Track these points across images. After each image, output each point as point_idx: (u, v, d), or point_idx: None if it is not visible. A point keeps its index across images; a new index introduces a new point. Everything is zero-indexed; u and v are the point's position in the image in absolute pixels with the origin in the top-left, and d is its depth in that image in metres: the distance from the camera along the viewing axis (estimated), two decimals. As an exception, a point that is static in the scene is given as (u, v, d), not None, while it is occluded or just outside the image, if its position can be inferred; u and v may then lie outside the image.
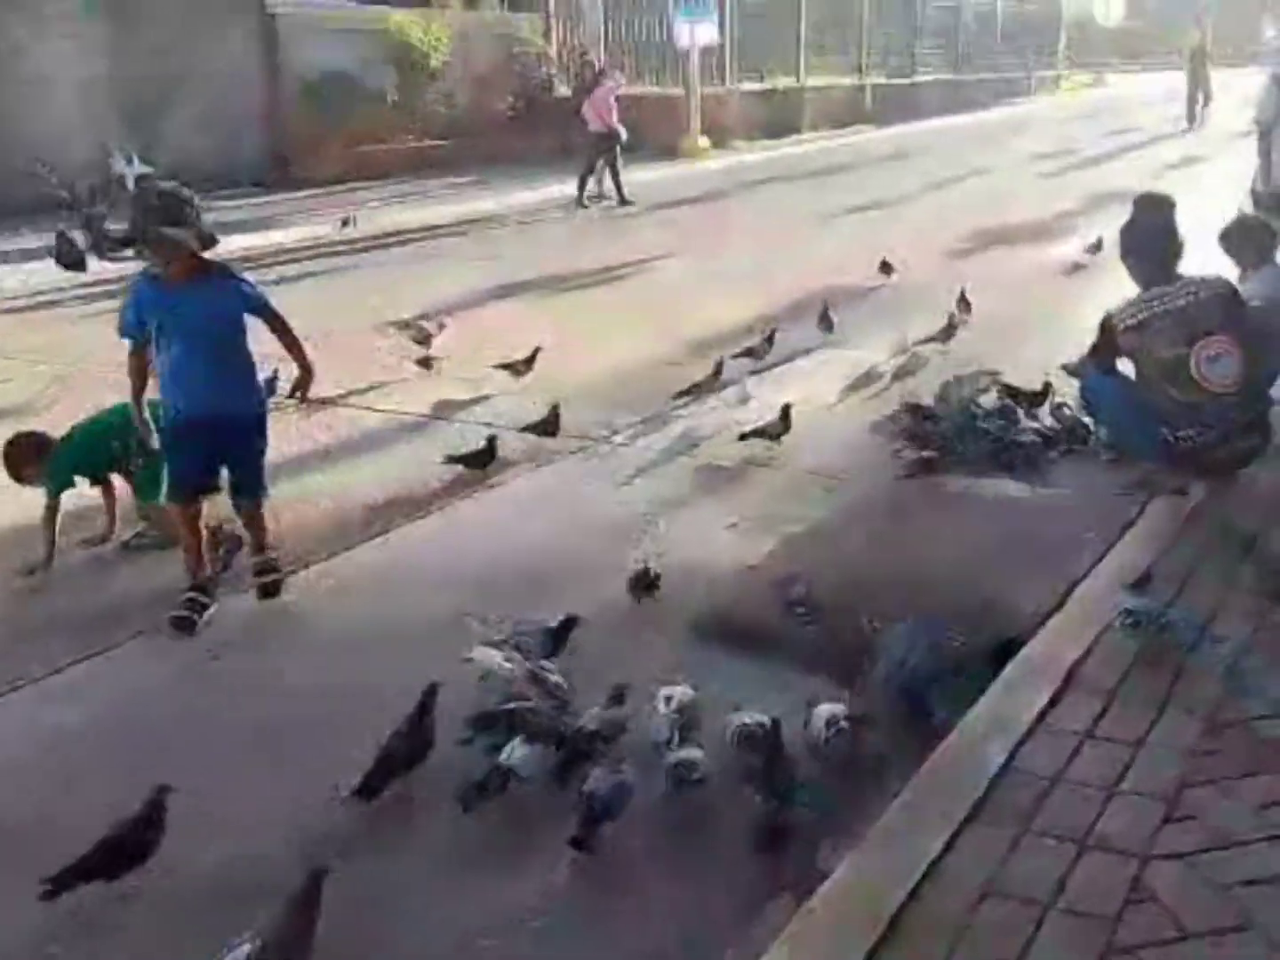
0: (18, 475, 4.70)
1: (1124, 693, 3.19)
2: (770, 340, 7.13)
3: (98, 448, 4.70)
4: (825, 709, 3.24)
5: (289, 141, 17.66)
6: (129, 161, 16.01)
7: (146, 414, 4.27)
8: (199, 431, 4.17)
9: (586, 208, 15.24)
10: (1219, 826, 2.64)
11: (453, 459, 5.52)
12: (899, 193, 15.44)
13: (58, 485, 4.59)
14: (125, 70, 15.62)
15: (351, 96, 18.05)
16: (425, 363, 7.28)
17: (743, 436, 5.68)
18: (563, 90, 21.79)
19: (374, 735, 3.12)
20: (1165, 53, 38.48)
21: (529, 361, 6.80)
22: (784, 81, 24.03)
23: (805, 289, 9.09)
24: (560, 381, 6.70)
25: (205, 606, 4.19)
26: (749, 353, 7.02)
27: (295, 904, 2.47)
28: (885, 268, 9.40)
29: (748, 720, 3.20)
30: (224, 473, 4.34)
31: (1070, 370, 5.55)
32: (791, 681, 3.53)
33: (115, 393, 4.65)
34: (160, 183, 4.30)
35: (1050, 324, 7.68)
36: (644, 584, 4.12)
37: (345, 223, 13.65)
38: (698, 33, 20.33)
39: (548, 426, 5.81)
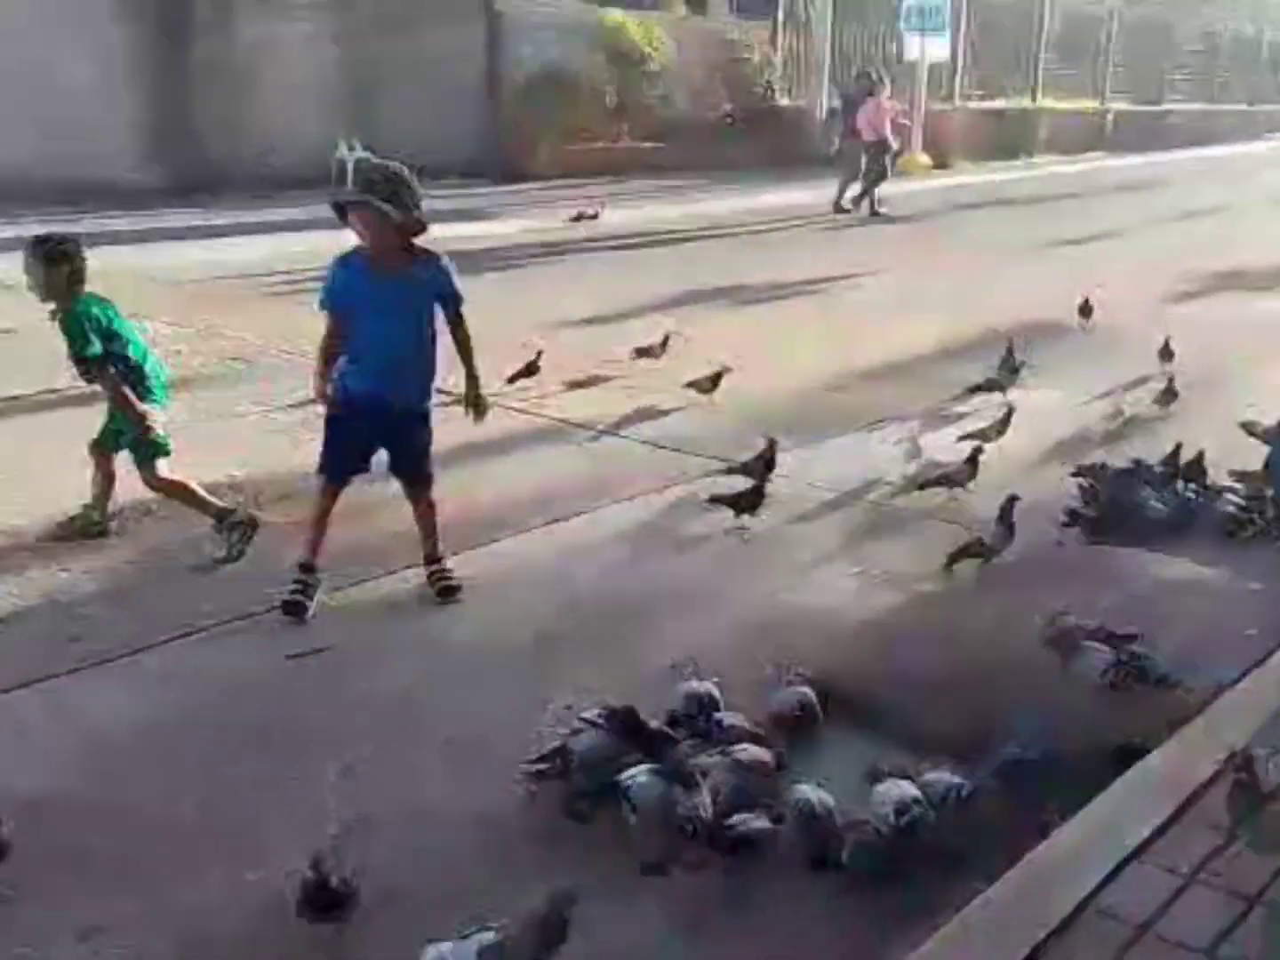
0: None
1: (1250, 832, 2.73)
2: (1013, 367, 6.71)
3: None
4: (895, 792, 2.91)
5: (507, 136, 17.95)
6: (351, 149, 16.64)
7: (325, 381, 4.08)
8: (367, 415, 4.05)
9: (848, 211, 15.24)
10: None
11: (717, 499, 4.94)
12: (1125, 226, 14.53)
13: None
14: (353, 61, 16.19)
15: (570, 94, 18.26)
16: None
17: (922, 486, 5.23)
18: (784, 100, 21.55)
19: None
20: None
21: (715, 380, 6.56)
22: (1017, 101, 23.10)
23: (1000, 322, 8.58)
24: (742, 399, 6.57)
25: (314, 588, 4.12)
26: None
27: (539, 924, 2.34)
28: (1085, 309, 8.62)
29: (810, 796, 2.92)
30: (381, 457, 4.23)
31: (1255, 432, 4.93)
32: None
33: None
34: (383, 160, 4.18)
35: (1257, 381, 6.97)
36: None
37: (579, 217, 13.82)
38: (928, 46, 19.75)
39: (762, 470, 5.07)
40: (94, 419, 4.63)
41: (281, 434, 5.92)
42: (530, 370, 6.72)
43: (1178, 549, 4.63)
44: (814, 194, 16.63)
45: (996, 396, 6.42)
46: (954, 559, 4.44)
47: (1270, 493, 4.83)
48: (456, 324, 4.19)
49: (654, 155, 18.96)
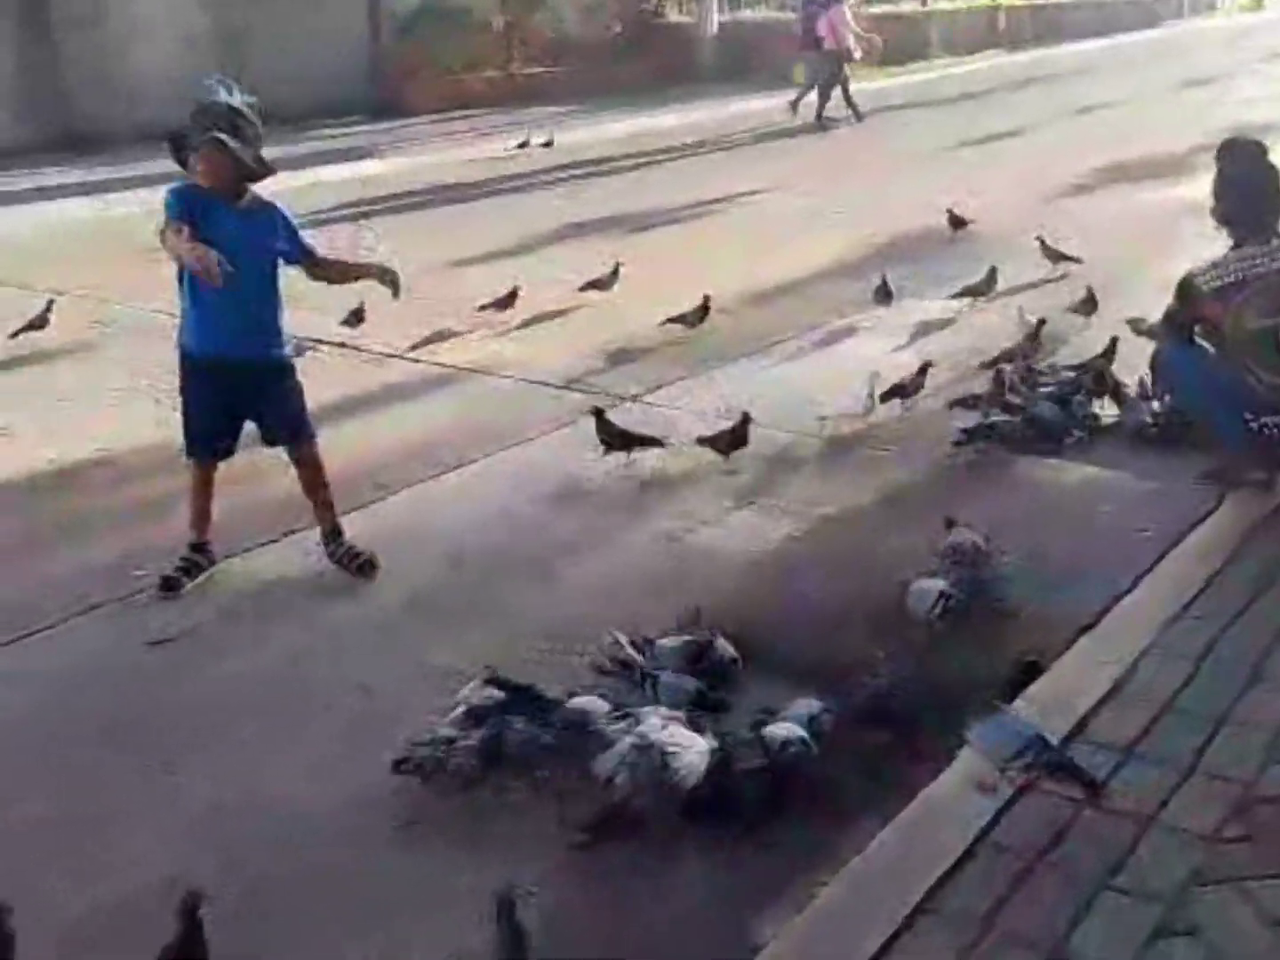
0: None
1: (1143, 751, 2.67)
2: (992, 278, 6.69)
3: None
4: (781, 727, 2.81)
5: (390, 70, 17.34)
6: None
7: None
8: (219, 377, 3.79)
9: (827, 129, 15.04)
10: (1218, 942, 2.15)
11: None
12: (1020, 123, 14.45)
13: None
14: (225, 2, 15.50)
15: (455, 22, 17.66)
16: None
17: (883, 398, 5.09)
18: (675, 16, 21.09)
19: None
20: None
21: (701, 313, 6.37)
22: (909, 5, 22.84)
23: (895, 231, 8.50)
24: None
25: (200, 569, 3.90)
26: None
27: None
28: (956, 221, 8.32)
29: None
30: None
31: (1141, 330, 4.85)
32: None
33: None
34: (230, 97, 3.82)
35: (1145, 276, 6.91)
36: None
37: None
38: (816, -47, 19.32)
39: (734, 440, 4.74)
40: None
41: (151, 401, 5.63)
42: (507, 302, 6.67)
43: (1084, 455, 4.59)
44: (710, 112, 16.39)
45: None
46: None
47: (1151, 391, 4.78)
48: (318, 264, 3.95)
49: (545, 82, 18.45)
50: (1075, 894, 2.26)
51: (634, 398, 5.49)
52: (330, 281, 4.09)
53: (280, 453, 4.01)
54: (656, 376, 5.76)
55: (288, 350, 3.96)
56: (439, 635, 3.53)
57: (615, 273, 6.92)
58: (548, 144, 13.64)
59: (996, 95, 17.88)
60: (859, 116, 15.31)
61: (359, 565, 3.93)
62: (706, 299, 6.37)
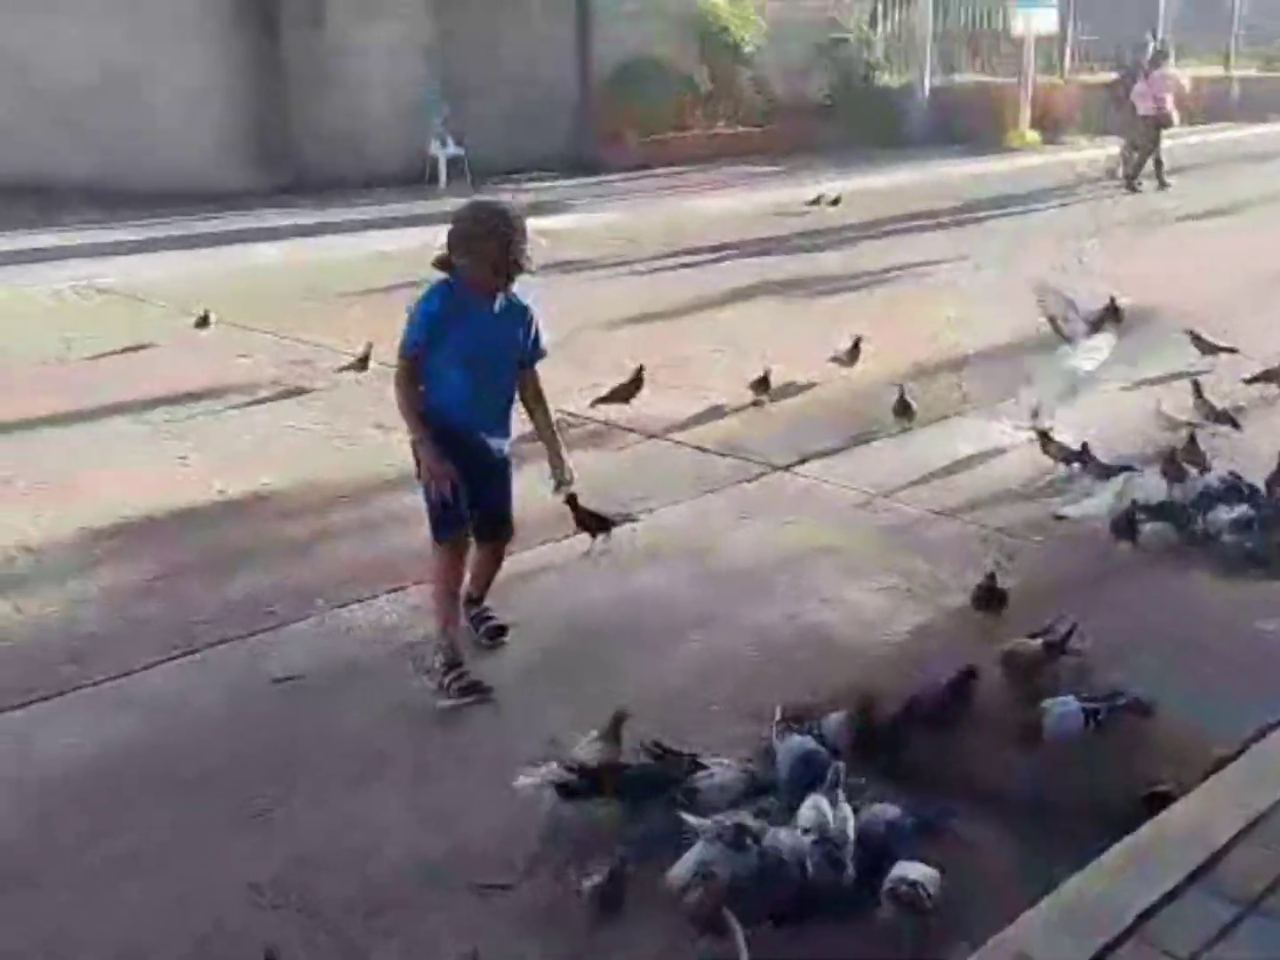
0: None
1: (1270, 908, 2.40)
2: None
3: None
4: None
5: (599, 127, 17.78)
6: (443, 144, 16.73)
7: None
8: (469, 453, 3.61)
9: (1138, 191, 14.92)
10: None
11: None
12: (1245, 200, 13.73)
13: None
14: (445, 58, 16.20)
15: (661, 82, 17.99)
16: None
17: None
18: (885, 79, 20.95)
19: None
20: None
21: (854, 353, 6.64)
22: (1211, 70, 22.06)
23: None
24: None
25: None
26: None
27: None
28: (1113, 312, 6.97)
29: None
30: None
31: None
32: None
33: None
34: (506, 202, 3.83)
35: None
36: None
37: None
38: (1035, 20, 18.98)
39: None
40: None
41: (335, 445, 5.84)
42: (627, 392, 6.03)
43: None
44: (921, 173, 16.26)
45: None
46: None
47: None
48: (529, 380, 3.78)
49: (747, 141, 18.57)
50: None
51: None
52: (530, 411, 3.83)
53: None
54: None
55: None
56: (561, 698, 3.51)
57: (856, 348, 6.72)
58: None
59: (1227, 167, 17.01)
60: (1161, 183, 15.04)
61: (492, 629, 3.89)
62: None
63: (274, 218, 13.17)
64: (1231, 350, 6.61)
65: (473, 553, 3.77)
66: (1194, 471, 4.86)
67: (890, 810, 2.81)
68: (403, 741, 3.35)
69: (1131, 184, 15.04)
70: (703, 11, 18.33)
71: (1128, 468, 4.94)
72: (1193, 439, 5.06)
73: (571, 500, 4.11)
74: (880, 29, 20.85)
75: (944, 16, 20.74)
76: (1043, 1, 18.91)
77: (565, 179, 16.60)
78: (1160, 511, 4.54)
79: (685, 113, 18.26)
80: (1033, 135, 19.22)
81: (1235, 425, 5.55)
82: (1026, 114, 19.22)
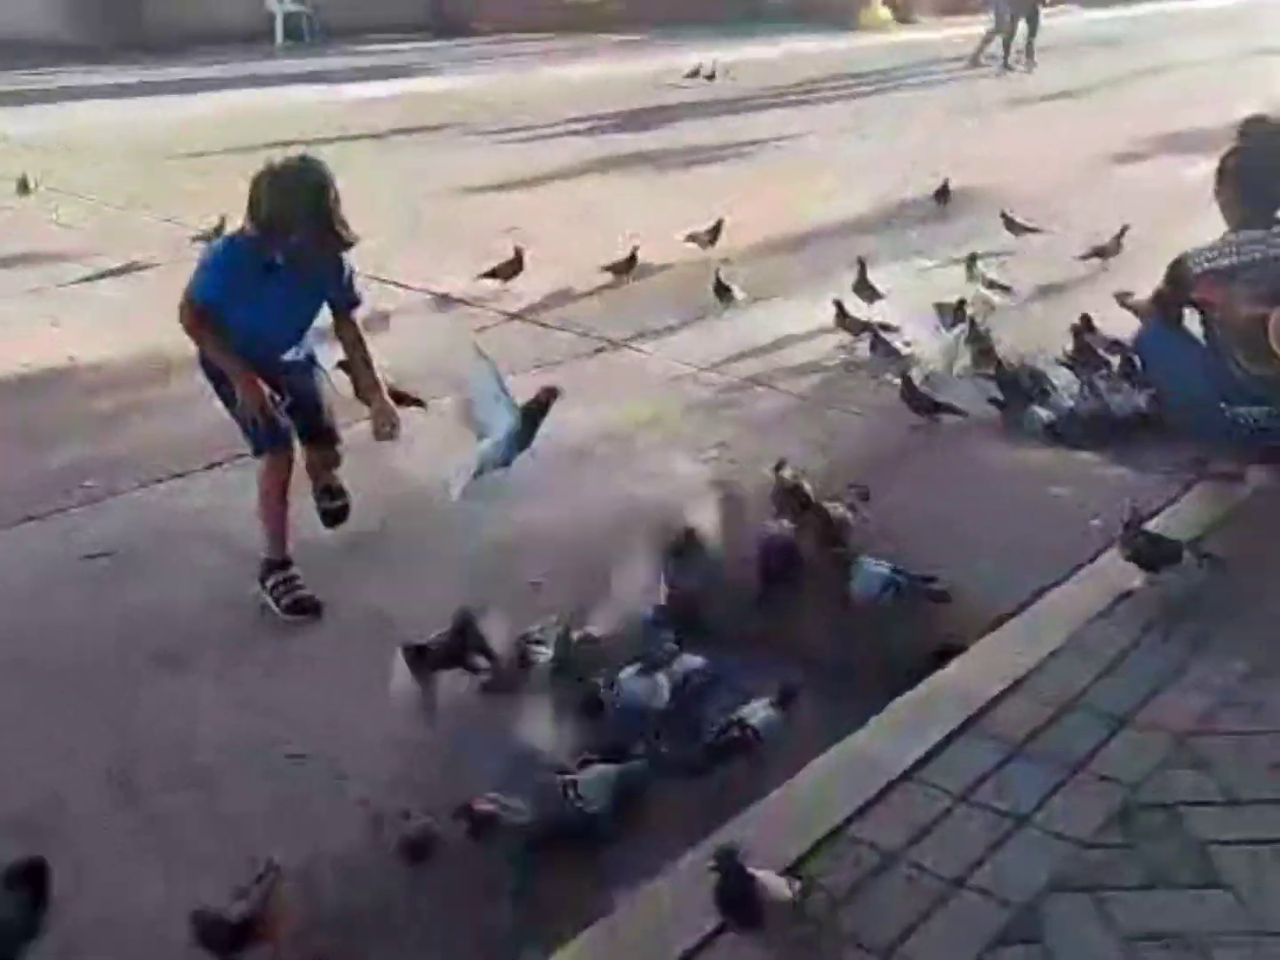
0: None
1: (1033, 750, 2.60)
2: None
3: None
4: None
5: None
6: (280, 0, 15.94)
7: None
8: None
9: (1011, 70, 15.25)
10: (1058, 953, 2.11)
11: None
12: (1075, 85, 14.00)
13: None
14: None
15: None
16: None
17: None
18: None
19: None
20: None
21: (714, 233, 6.65)
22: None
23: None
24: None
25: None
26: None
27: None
28: (942, 193, 7.84)
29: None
30: None
31: (1126, 304, 4.68)
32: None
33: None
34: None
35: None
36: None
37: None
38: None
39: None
40: None
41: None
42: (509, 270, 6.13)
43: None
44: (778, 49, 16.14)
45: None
46: None
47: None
48: (348, 325, 3.64)
49: (606, 10, 18.20)
50: (922, 895, 2.21)
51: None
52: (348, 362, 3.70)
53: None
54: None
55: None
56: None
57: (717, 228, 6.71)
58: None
59: (1053, 55, 17.23)
60: (1030, 60, 15.38)
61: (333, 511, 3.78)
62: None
63: (109, 74, 12.46)
64: (1038, 230, 6.80)
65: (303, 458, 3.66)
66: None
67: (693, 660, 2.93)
68: (217, 621, 3.33)
69: (1005, 63, 15.30)
70: None
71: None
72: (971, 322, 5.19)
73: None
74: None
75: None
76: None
77: (420, 42, 16.02)
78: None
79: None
80: (885, 13, 19.24)
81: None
82: (880, -9, 19.21)
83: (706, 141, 10.22)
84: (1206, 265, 3.93)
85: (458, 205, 7.84)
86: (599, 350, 5.49)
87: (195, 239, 6.32)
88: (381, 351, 3.74)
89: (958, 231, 7.15)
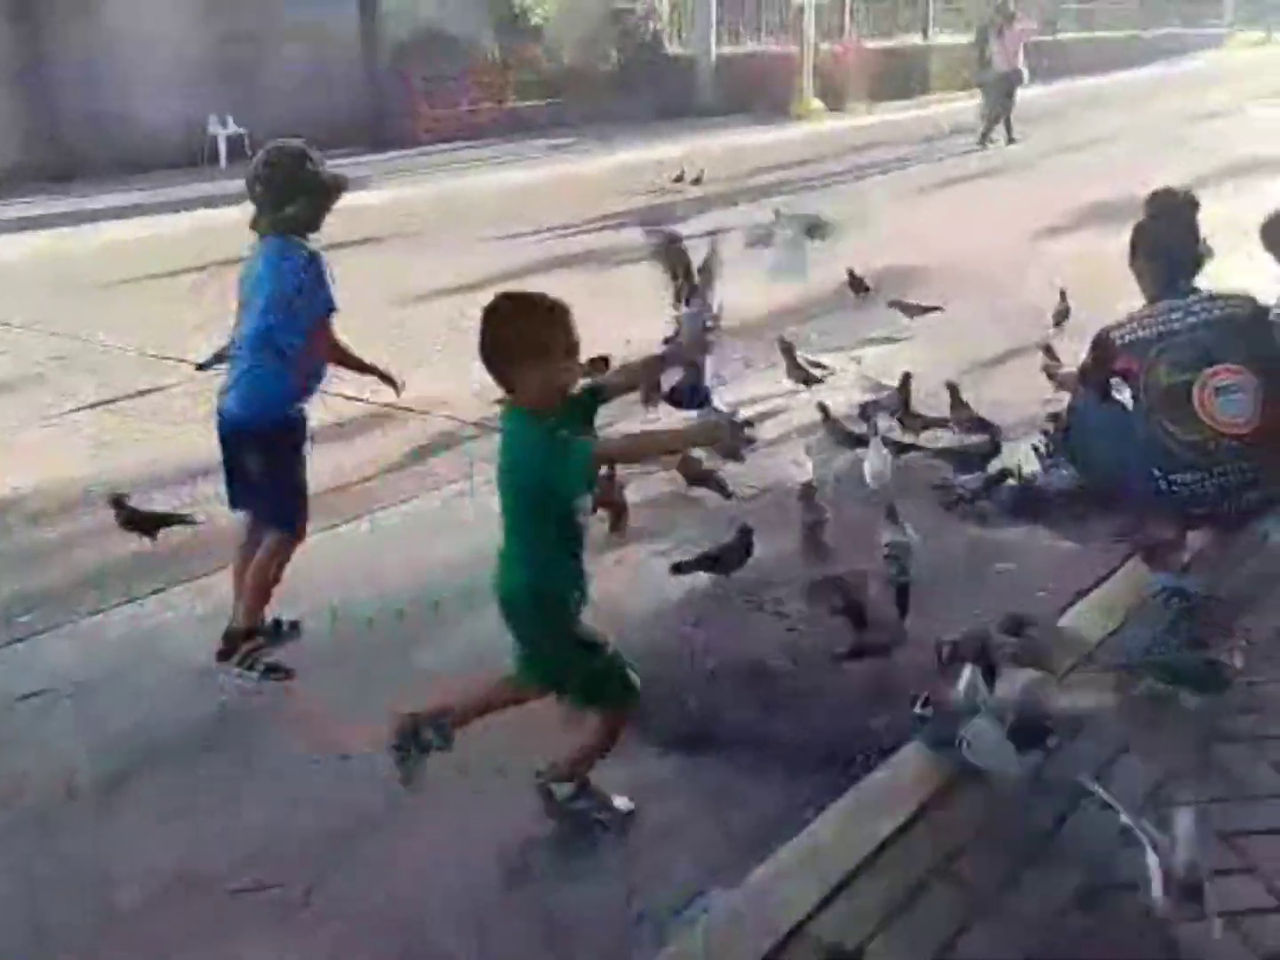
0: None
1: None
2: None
3: None
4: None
5: (382, 104, 17.47)
6: (223, 124, 16.14)
7: None
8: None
9: (994, 143, 15.82)
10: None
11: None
12: (1010, 161, 14.43)
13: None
14: (220, 32, 15.62)
15: (450, 55, 17.78)
16: None
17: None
18: (673, 48, 21.19)
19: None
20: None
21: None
22: (909, 38, 22.90)
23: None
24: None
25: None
26: None
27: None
28: (855, 284, 7.37)
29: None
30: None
31: (1054, 376, 4.72)
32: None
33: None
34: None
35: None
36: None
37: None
38: (815, -13, 19.55)
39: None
40: None
41: (83, 439, 5.61)
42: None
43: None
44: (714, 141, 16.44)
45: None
46: None
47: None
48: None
49: (539, 113, 18.55)
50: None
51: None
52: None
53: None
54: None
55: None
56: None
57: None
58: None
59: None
60: (1010, 139, 15.89)
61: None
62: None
63: (40, 204, 12.52)
64: (938, 309, 6.86)
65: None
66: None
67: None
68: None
69: (985, 139, 15.87)
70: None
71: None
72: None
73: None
74: (665, -1, 21.07)
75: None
76: (820, -32, 19.42)
77: (357, 155, 16.26)
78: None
79: (478, 85, 18.11)
80: (816, 103, 19.74)
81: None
82: (809, 81, 19.72)
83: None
84: (1128, 338, 4.01)
85: (403, 314, 7.86)
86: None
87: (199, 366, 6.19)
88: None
89: (864, 321, 7.12)
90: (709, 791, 2.93)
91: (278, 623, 3.72)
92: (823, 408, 5.19)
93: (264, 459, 3.49)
